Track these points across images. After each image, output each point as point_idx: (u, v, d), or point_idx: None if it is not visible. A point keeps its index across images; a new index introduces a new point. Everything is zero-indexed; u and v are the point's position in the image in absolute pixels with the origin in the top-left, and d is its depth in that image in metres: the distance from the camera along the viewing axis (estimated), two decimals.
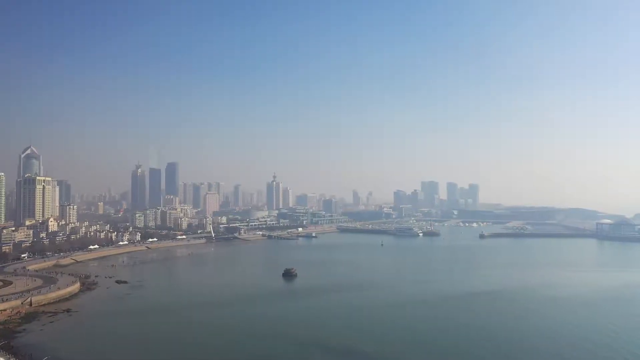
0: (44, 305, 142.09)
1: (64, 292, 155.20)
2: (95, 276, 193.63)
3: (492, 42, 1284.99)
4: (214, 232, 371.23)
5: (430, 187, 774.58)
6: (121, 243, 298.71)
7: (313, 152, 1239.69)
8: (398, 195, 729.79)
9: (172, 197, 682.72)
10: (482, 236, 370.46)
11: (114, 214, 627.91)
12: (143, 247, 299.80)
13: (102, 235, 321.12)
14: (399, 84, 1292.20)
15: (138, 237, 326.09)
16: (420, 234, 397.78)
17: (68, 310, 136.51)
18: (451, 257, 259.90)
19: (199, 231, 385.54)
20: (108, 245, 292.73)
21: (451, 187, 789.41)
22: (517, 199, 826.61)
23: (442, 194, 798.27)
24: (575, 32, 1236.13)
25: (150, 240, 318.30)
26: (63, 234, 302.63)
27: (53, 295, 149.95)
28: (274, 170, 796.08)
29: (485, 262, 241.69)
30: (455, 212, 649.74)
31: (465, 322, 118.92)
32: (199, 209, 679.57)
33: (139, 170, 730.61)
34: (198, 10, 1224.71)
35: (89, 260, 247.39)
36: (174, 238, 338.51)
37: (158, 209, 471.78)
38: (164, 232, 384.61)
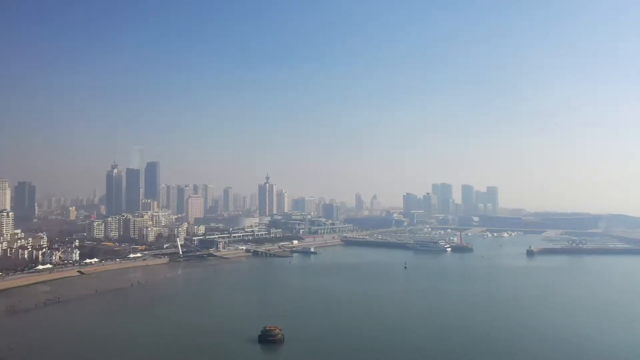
0: None
1: None
2: None
3: (503, 38, 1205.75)
4: (183, 248, 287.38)
5: (443, 190, 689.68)
6: (40, 267, 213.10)
7: (311, 152, 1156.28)
8: (408, 199, 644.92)
9: (150, 201, 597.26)
10: (530, 253, 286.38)
11: (82, 221, 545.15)
12: (74, 272, 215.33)
13: (26, 254, 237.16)
14: (403, 81, 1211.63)
15: (76, 255, 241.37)
16: (448, 249, 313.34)
17: None
18: (517, 292, 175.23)
19: (165, 245, 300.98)
20: (22, 271, 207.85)
21: (466, 190, 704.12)
22: (538, 203, 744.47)
23: (456, 197, 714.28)
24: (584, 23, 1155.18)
25: (88, 261, 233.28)
26: None
27: None
28: (270, 172, 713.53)
29: (577, 300, 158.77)
30: (476, 219, 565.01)
31: None
32: (183, 214, 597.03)
33: (115, 171, 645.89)
34: (189, 7, 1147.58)
35: None
36: (125, 256, 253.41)
37: (123, 216, 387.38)
38: (123, 245, 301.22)
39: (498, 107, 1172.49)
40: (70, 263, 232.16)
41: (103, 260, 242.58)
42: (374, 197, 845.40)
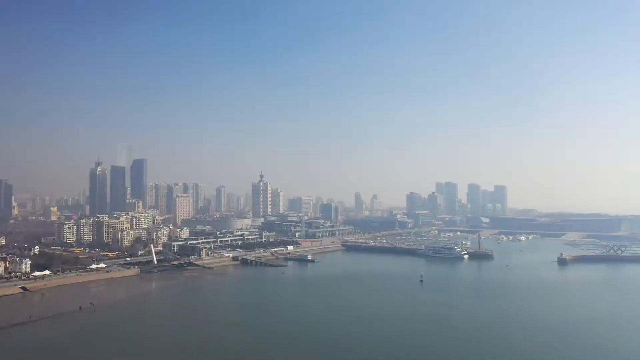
0: None
1: None
2: None
3: (507, 35, 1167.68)
4: (160, 255, 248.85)
5: (448, 190, 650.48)
6: None
7: (308, 150, 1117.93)
8: (412, 198, 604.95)
9: (135, 200, 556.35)
10: (562, 261, 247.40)
11: (63, 222, 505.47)
12: (17, 288, 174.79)
13: None
14: (402, 78, 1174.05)
15: (26, 266, 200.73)
16: (465, 256, 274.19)
17: None
18: (573, 321, 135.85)
19: (140, 252, 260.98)
20: None
21: (473, 189, 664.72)
22: (546, 203, 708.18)
23: (462, 197, 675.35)
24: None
25: (38, 274, 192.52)
26: None
27: None
28: (266, 171, 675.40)
29: None
30: (485, 220, 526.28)
31: None
32: (171, 215, 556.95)
33: (99, 168, 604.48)
34: (183, 5, 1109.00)
35: None
36: (85, 267, 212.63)
37: (97, 218, 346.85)
38: (94, 251, 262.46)
39: (498, 105, 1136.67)
40: (17, 276, 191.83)
41: (58, 272, 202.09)
42: (374, 196, 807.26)
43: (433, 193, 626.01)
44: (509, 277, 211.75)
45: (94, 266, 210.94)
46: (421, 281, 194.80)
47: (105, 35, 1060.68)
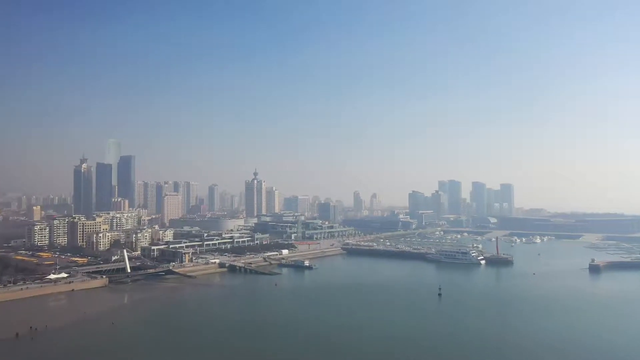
0: None
1: None
2: None
3: (503, 32, 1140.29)
4: (137, 261, 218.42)
5: (452, 188, 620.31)
6: None
7: (305, 147, 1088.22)
8: (414, 197, 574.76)
9: (120, 199, 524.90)
10: (594, 268, 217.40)
11: (34, 223, 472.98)
12: None
13: None
14: (403, 75, 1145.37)
15: None
16: (482, 262, 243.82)
17: None
18: None
19: (114, 258, 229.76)
20: None
21: (477, 187, 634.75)
22: (549, 202, 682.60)
23: (465, 196, 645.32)
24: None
25: None
26: None
27: None
28: (261, 169, 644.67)
29: None
30: (493, 221, 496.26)
31: None
32: (159, 215, 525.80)
33: (84, 166, 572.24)
34: (178, 3, 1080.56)
35: None
36: (43, 278, 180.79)
37: (72, 219, 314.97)
38: (64, 256, 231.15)
39: (498, 104, 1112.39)
40: None
41: (9, 283, 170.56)
42: (374, 195, 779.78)
43: (436, 192, 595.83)
44: (539, 288, 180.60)
45: (52, 276, 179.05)
46: (439, 294, 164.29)
47: (100, 33, 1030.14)
